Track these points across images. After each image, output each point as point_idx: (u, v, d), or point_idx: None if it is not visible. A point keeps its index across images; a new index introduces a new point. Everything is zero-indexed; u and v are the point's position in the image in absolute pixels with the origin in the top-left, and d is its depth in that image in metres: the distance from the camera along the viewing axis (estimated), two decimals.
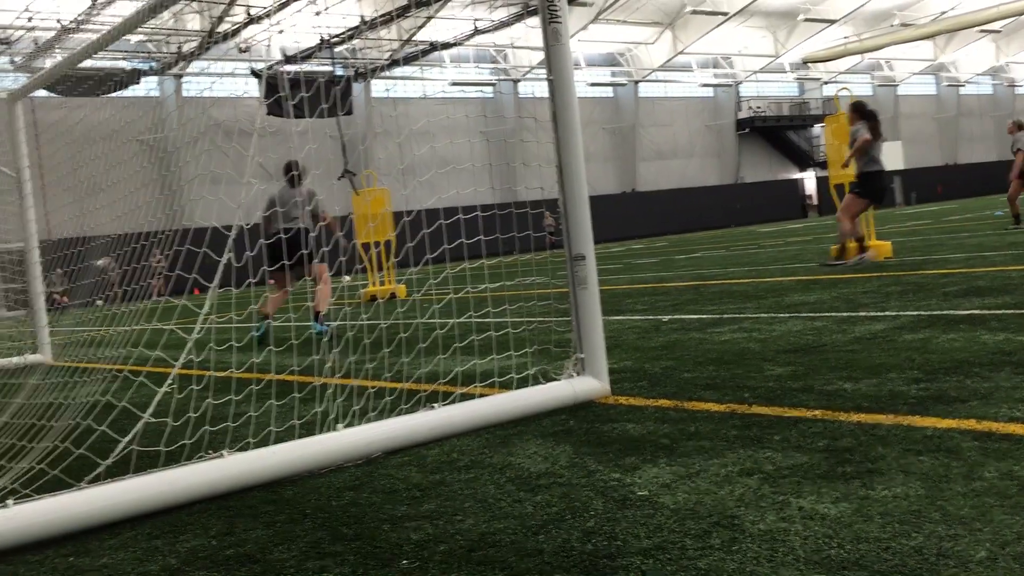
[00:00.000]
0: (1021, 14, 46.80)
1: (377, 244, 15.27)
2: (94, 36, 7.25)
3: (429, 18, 37.49)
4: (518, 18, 37.00)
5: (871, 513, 2.38)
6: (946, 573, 1.97)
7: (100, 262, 7.36)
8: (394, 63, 39.84)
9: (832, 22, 49.23)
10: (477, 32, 38.16)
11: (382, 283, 15.41)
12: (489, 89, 46.50)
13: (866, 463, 2.83)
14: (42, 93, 15.07)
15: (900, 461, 2.81)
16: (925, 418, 3.29)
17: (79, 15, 30.94)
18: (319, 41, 33.96)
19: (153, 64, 35.04)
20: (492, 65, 46.37)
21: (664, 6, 44.98)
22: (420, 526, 2.68)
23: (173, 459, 3.38)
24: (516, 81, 46.42)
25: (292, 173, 8.88)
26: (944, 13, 49.96)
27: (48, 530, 2.90)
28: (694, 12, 44.76)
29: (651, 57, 49.65)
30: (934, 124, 64.47)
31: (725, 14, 45.04)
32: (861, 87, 58.81)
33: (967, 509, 2.34)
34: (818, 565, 2.09)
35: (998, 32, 58.47)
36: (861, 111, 10.99)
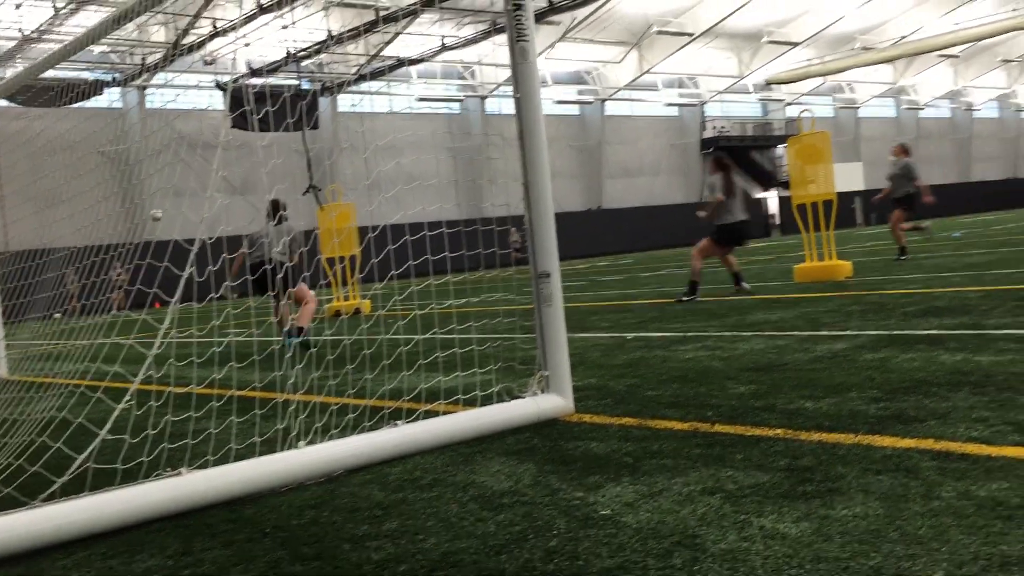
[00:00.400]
0: (978, 39, 47.85)
1: (342, 259, 15.20)
2: (56, 46, 7.16)
3: (397, 34, 37.53)
4: (486, 35, 37.15)
5: (831, 533, 2.40)
6: None
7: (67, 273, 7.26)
8: (361, 78, 39.80)
9: (795, 45, 49.99)
10: (445, 48, 38.25)
11: (347, 298, 15.32)
12: (456, 105, 46.58)
13: (826, 482, 2.85)
14: (2, 103, 14.87)
15: (860, 480, 2.83)
16: (884, 437, 3.32)
17: (41, 25, 30.60)
18: (285, 55, 33.85)
19: (116, 75, 34.70)
20: (459, 81, 46.48)
21: (630, 26, 45.41)
22: (381, 545, 2.66)
23: (131, 477, 3.32)
24: (483, 98, 46.57)
25: (280, 213, 9.59)
26: (904, 38, 50.91)
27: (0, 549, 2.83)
28: (660, 32, 45.22)
29: (617, 76, 50.05)
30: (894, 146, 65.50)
31: (690, 35, 45.55)
32: (823, 109, 59.70)
33: (925, 529, 2.36)
34: None
35: (956, 57, 59.71)
36: (719, 164, 11.33)
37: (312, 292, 9.51)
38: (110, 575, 2.65)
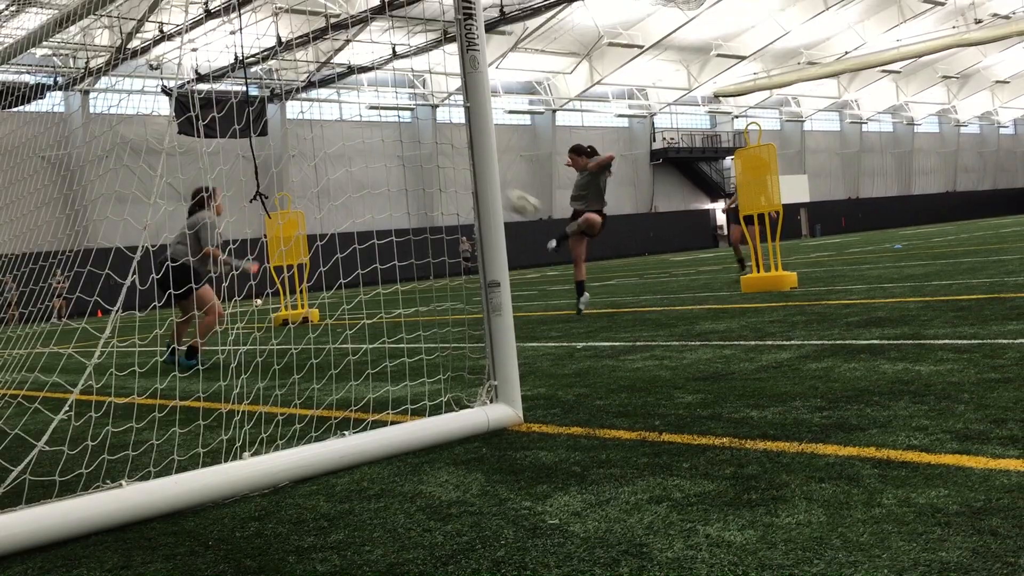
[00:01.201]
0: (919, 56, 49.04)
1: (290, 268, 15.05)
2: None
3: (348, 41, 37.36)
4: (437, 44, 37.15)
5: (775, 540, 2.43)
6: None
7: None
8: (311, 85, 39.53)
9: (742, 58, 50.77)
10: (396, 56, 38.17)
11: (295, 307, 15.17)
12: (407, 114, 46.49)
13: (771, 490, 2.88)
14: None
15: (803, 488, 2.87)
16: (827, 446, 3.37)
17: None
18: (233, 60, 33.50)
19: (59, 79, 34.03)
20: (410, 90, 46.40)
21: (582, 37, 45.75)
22: (327, 557, 2.63)
23: (69, 489, 3.25)
24: (434, 106, 46.54)
25: (192, 203, 8.71)
26: (847, 53, 52.01)
27: None
28: (611, 44, 45.62)
29: (568, 87, 50.38)
30: (838, 159, 66.85)
31: (641, 47, 46.03)
32: (770, 122, 60.67)
33: (867, 536, 2.40)
34: None
35: (898, 73, 61.12)
36: (578, 151, 11.58)
37: (217, 301, 8.56)
38: None
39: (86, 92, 36.17)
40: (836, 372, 4.96)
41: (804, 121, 63.87)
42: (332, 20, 33.02)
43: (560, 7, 36.37)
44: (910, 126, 70.54)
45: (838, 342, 6.17)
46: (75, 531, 3.03)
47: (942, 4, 48.81)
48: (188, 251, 8.25)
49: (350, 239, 5.00)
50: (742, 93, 51.57)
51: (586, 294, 11.10)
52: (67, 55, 35.25)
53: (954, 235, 28.71)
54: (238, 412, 4.63)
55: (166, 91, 34.04)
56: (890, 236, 34.60)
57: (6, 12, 29.38)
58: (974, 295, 8.62)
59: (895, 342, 5.92)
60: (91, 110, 36.43)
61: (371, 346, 6.61)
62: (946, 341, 5.75)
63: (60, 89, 34.02)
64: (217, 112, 4.41)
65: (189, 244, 8.38)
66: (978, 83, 68.43)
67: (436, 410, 4.38)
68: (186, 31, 31.27)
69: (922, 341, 5.84)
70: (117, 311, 3.49)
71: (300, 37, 33.02)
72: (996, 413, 3.65)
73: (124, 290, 3.55)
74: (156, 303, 3.91)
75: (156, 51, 33.88)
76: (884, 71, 58.62)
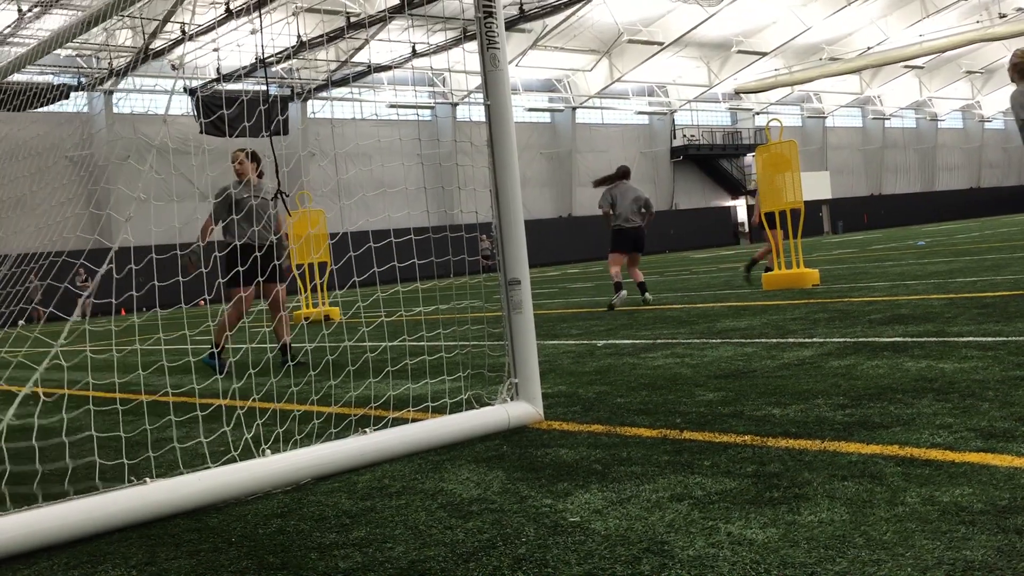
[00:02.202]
0: (943, 51, 48.59)
1: (311, 265, 15.12)
2: (22, 50, 7.06)
3: (367, 40, 37.45)
4: (456, 42, 37.17)
5: (797, 538, 2.41)
6: None
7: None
8: (331, 84, 39.65)
9: (764, 54, 50.46)
10: (416, 55, 38.22)
11: (316, 305, 15.23)
12: (427, 112, 46.55)
13: (793, 488, 2.87)
14: None
15: (826, 486, 2.86)
16: (850, 444, 3.35)
17: (6, 28, 30.20)
18: (254, 60, 33.68)
19: (83, 80, 34.32)
20: (430, 88, 46.45)
21: (601, 34, 45.63)
22: (349, 554, 2.64)
23: (93, 486, 3.28)
24: (454, 104, 46.57)
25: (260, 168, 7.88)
26: (870, 48, 51.59)
27: None
28: (630, 41, 45.48)
29: (588, 84, 50.26)
30: (860, 155, 66.35)
31: (661, 44, 45.85)
32: (791, 118, 60.29)
33: (890, 534, 2.38)
34: None
35: (921, 68, 60.58)
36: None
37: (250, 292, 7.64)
38: None
39: (110, 93, 36.47)
40: (859, 370, 4.92)
41: (826, 117, 63.43)
42: (352, 19, 33.11)
43: (580, 4, 36.31)
44: (933, 122, 69.90)
45: (861, 339, 6.13)
46: (100, 527, 3.05)
47: None
48: (271, 232, 7.62)
49: (372, 237, 5.01)
50: (763, 89, 51.28)
51: (623, 292, 11.30)
52: (90, 56, 35.53)
53: (978, 232, 28.44)
54: (259, 410, 4.66)
55: (189, 91, 34.27)
56: (913, 233, 34.32)
57: (30, 13, 29.66)
58: (999, 292, 8.54)
59: (919, 339, 5.87)
60: (115, 110, 36.73)
61: (392, 344, 6.63)
62: (970, 339, 5.70)
63: (84, 90, 34.32)
64: (239, 111, 4.44)
65: (271, 225, 7.73)
66: (1003, 78, 67.64)
67: (457, 408, 4.38)
68: (208, 31, 31.47)
69: (946, 339, 5.80)
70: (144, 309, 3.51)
71: (319, 36, 33.13)
72: (1021, 411, 3.62)
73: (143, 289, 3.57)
74: (183, 305, 3.93)
75: (178, 51, 34.08)
76: (907, 66, 58.10)
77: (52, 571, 2.76)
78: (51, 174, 6.45)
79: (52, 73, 33.84)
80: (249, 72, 33.94)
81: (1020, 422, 3.44)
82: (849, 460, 3.13)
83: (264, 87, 33.37)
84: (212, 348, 7.79)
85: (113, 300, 3.60)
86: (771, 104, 59.88)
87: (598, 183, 12.12)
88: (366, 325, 8.05)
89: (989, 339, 5.60)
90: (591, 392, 5.07)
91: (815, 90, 60.90)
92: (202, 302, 8.37)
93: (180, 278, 4.05)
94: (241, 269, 6.40)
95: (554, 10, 35.04)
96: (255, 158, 7.89)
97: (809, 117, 62.95)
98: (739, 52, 50.32)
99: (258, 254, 5.81)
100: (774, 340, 6.56)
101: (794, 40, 49.57)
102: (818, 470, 3.04)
